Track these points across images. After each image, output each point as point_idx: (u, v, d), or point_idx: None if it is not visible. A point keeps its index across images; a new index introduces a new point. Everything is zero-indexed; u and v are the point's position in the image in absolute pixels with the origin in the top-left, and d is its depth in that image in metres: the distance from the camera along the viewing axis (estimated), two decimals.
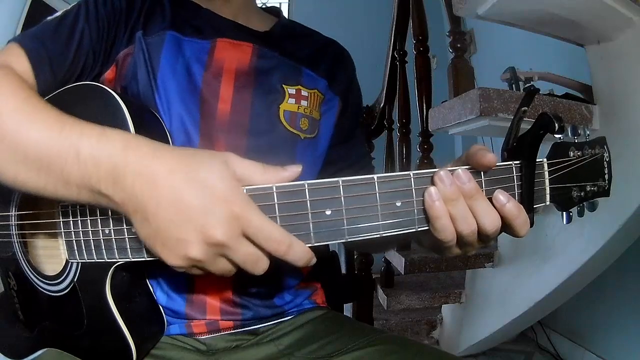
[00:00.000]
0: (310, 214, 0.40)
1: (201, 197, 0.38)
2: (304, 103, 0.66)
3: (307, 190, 0.40)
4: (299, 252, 0.40)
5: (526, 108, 0.44)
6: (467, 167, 0.42)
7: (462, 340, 1.81)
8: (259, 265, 0.40)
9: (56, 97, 0.55)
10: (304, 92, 0.66)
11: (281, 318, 0.65)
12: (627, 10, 1.01)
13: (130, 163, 0.39)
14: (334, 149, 0.71)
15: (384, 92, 2.02)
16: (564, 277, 1.30)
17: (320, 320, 0.65)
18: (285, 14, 3.97)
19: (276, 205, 0.41)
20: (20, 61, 0.54)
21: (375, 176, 0.41)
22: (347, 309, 1.76)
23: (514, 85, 1.39)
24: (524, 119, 0.44)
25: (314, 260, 0.41)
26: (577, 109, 1.14)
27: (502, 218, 0.42)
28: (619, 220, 1.10)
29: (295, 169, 0.41)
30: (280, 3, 4.04)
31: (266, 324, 0.63)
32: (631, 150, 1.05)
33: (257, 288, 0.62)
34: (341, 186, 0.40)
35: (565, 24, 1.07)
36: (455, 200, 0.41)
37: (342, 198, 0.40)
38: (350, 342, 0.58)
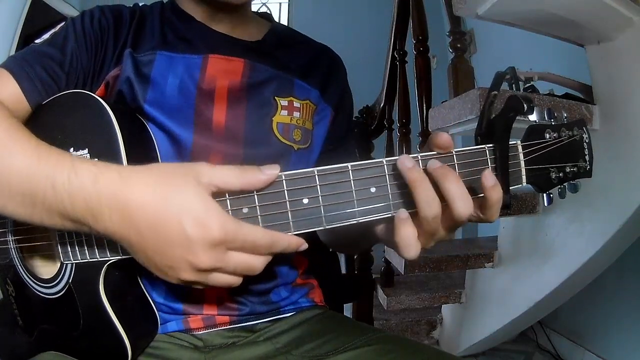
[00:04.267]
0: (288, 202, 0.42)
1: (179, 227, 0.39)
2: (296, 114, 0.66)
3: (284, 180, 0.42)
4: (283, 245, 0.42)
5: (496, 92, 0.45)
6: (434, 153, 0.43)
7: (462, 340, 1.81)
8: (254, 267, 0.42)
9: (47, 105, 0.56)
10: (296, 104, 0.67)
11: (277, 315, 0.65)
12: (627, 10, 1.01)
13: (103, 197, 0.40)
14: (324, 155, 0.71)
15: (384, 92, 2.03)
16: (564, 277, 1.30)
17: (318, 319, 0.66)
18: (285, 14, 3.98)
19: (255, 196, 0.42)
20: (8, 86, 0.55)
21: (349, 164, 0.42)
22: (347, 309, 1.76)
23: (514, 85, 1.39)
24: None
25: (304, 244, 0.43)
26: (577, 109, 1.14)
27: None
28: (619, 220, 1.10)
29: (272, 171, 0.41)
30: (280, 3, 4.04)
31: (262, 321, 0.64)
32: (631, 150, 1.05)
33: (253, 284, 0.63)
34: (316, 175, 0.42)
35: (565, 24, 1.07)
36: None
37: (318, 187, 0.42)
38: (348, 341, 0.58)
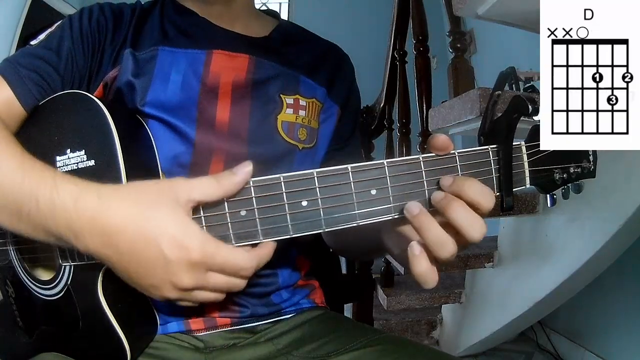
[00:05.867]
0: (287, 205, 0.41)
1: (158, 250, 0.40)
2: (302, 113, 0.65)
3: (282, 182, 0.41)
4: (264, 260, 0.44)
5: (500, 92, 0.45)
6: (434, 154, 0.42)
7: (462, 340, 1.81)
8: (236, 286, 0.44)
9: (44, 105, 0.56)
10: (302, 102, 0.65)
11: (279, 316, 0.65)
12: None
13: (83, 218, 0.41)
14: (330, 154, 0.70)
15: (384, 92, 2.03)
16: (564, 277, 1.30)
17: (319, 320, 0.65)
18: (285, 13, 3.97)
19: (254, 198, 0.42)
20: (1, 91, 0.55)
21: (349, 166, 0.41)
22: (347, 309, 1.76)
23: (514, 85, 1.39)
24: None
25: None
26: None
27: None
28: (619, 220, 1.10)
29: (245, 169, 0.41)
30: (280, 3, 4.04)
31: (264, 322, 0.63)
32: (632, 150, 1.05)
33: (255, 287, 0.62)
34: (316, 177, 0.41)
35: None
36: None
37: (317, 189, 0.41)
38: (349, 342, 0.57)
